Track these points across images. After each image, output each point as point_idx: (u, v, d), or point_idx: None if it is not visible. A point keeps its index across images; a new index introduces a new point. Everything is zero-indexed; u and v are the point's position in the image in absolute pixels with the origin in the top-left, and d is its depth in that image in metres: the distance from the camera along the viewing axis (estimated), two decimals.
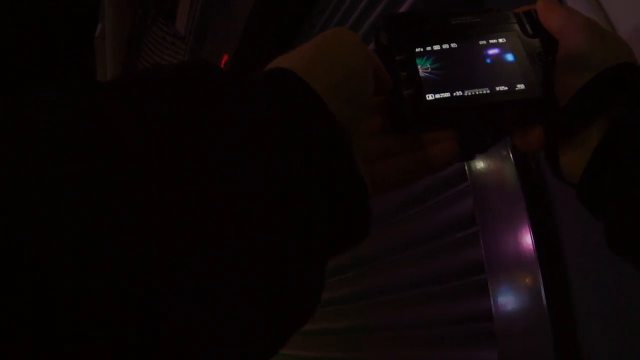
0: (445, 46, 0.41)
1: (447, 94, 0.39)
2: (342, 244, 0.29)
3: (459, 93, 0.39)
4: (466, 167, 0.89)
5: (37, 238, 0.17)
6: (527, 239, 0.75)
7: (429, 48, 0.40)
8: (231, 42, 1.98)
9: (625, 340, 0.62)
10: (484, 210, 0.85)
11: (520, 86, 0.40)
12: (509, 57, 0.41)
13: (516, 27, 0.42)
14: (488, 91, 0.39)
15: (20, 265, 0.17)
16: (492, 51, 0.41)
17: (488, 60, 0.41)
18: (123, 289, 0.18)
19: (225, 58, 2.07)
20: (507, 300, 0.79)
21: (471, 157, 0.42)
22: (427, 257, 1.06)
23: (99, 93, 0.23)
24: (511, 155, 0.79)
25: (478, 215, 0.86)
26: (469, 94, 0.39)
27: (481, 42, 0.41)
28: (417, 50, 0.40)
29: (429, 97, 0.39)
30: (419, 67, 0.39)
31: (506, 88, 0.39)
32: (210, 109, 0.24)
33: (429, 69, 0.39)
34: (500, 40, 0.41)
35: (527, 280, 0.75)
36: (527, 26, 0.43)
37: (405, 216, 1.14)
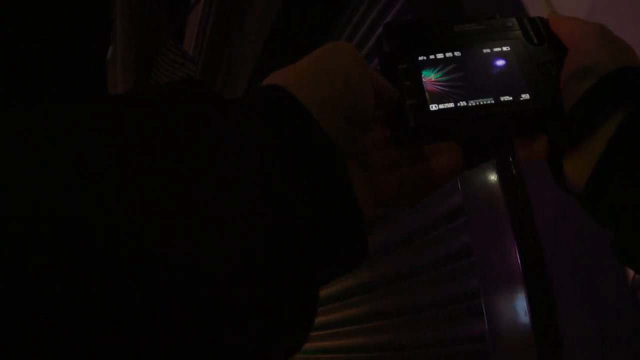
0: (449, 54, 0.39)
1: (452, 104, 0.37)
2: (339, 267, 0.28)
3: (463, 103, 0.37)
4: (464, 204, 0.94)
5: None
6: (516, 269, 0.80)
7: (432, 56, 0.38)
8: (247, 64, 1.96)
9: (605, 353, 0.66)
10: (480, 243, 0.89)
11: (525, 96, 0.38)
12: (514, 65, 0.39)
13: (520, 34, 0.41)
14: (493, 101, 0.38)
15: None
16: (497, 60, 0.39)
17: (492, 70, 0.39)
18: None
19: None
20: (499, 323, 0.83)
21: (474, 166, 0.40)
22: (428, 284, 1.10)
23: (94, 106, 0.22)
24: (502, 192, 0.84)
25: (474, 247, 0.91)
26: (474, 104, 0.37)
27: (485, 51, 0.40)
28: (421, 58, 0.38)
29: (433, 107, 0.37)
30: (422, 76, 0.38)
31: (511, 98, 0.38)
32: (203, 131, 0.23)
33: (433, 78, 0.38)
34: (505, 48, 0.40)
35: (516, 305, 0.79)
36: (532, 34, 0.41)
37: (409, 248, 1.18)
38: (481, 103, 0.37)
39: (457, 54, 0.39)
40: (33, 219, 0.18)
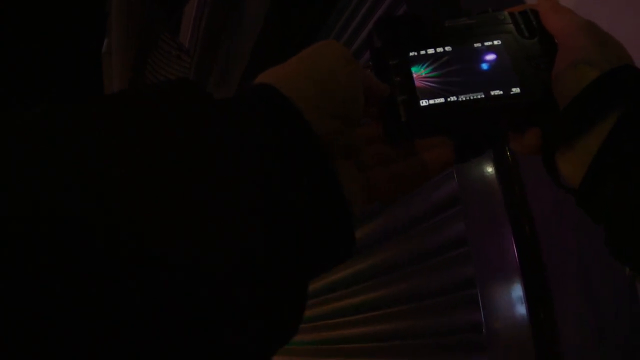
0: (440, 50, 0.39)
1: (442, 100, 0.37)
2: (326, 262, 0.29)
3: (453, 98, 0.37)
4: (459, 192, 0.94)
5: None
6: (512, 258, 0.79)
7: (423, 52, 0.39)
8: (244, 56, 1.96)
9: (602, 349, 0.66)
10: (475, 232, 0.90)
11: (516, 90, 0.38)
12: (505, 59, 0.39)
13: (511, 28, 0.41)
14: (483, 96, 0.38)
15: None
16: (488, 54, 0.39)
17: (483, 64, 0.39)
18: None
19: None
20: (495, 313, 0.83)
21: (467, 160, 0.41)
22: (423, 273, 1.10)
23: (94, 107, 0.23)
24: (498, 181, 0.84)
25: (469, 236, 0.91)
26: (464, 99, 0.37)
27: (476, 45, 0.40)
28: (411, 54, 0.39)
29: (424, 102, 0.37)
30: (413, 72, 0.38)
31: (501, 92, 0.38)
32: (203, 131, 0.23)
33: (423, 74, 0.38)
34: (496, 42, 0.40)
35: (513, 295, 0.79)
36: (523, 27, 0.41)
37: (403, 236, 1.19)
38: (471, 98, 0.38)
39: (447, 49, 0.39)
40: (33, 219, 0.18)
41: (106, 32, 2.93)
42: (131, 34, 2.62)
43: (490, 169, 0.87)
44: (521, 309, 0.78)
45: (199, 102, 0.25)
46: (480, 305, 0.86)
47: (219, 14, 2.24)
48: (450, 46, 0.39)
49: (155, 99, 0.24)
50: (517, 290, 0.79)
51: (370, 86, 0.35)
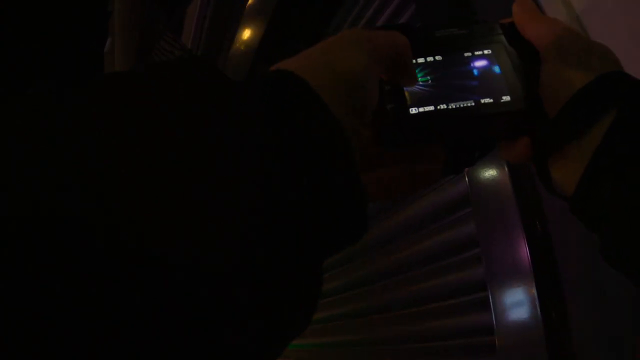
0: (430, 59, 0.39)
1: (432, 108, 0.37)
2: (339, 242, 0.29)
3: (443, 106, 0.38)
4: (469, 193, 0.94)
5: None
6: (524, 259, 0.80)
7: (413, 61, 0.39)
8: (246, 57, 1.98)
9: (614, 351, 0.67)
10: (485, 234, 0.89)
11: (506, 98, 0.38)
12: (495, 68, 0.40)
13: (502, 38, 0.41)
14: (473, 104, 0.38)
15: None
16: (478, 63, 0.40)
17: (473, 73, 0.39)
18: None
19: None
20: (506, 316, 0.83)
21: (459, 170, 0.41)
22: (433, 275, 1.10)
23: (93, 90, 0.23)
24: (510, 181, 0.84)
25: (480, 238, 0.91)
26: (454, 107, 0.38)
27: (466, 55, 0.40)
28: None
29: (413, 110, 0.37)
30: None
31: (491, 100, 0.38)
32: (203, 131, 0.23)
33: None
34: (486, 51, 0.40)
35: (524, 297, 0.79)
36: (512, 37, 0.41)
37: (413, 238, 1.18)
38: (461, 105, 0.38)
39: (438, 58, 0.40)
40: (33, 219, 0.18)
41: (107, 31, 2.94)
42: (133, 34, 2.63)
43: (502, 170, 0.87)
44: (533, 311, 0.78)
45: (199, 101, 0.25)
46: (492, 307, 0.86)
47: (221, 14, 2.24)
48: (441, 55, 0.40)
49: (155, 99, 0.24)
50: (529, 292, 0.79)
51: (403, 60, 0.36)
